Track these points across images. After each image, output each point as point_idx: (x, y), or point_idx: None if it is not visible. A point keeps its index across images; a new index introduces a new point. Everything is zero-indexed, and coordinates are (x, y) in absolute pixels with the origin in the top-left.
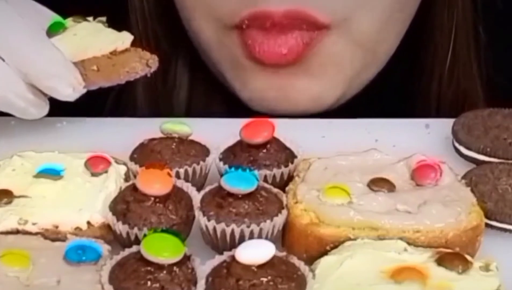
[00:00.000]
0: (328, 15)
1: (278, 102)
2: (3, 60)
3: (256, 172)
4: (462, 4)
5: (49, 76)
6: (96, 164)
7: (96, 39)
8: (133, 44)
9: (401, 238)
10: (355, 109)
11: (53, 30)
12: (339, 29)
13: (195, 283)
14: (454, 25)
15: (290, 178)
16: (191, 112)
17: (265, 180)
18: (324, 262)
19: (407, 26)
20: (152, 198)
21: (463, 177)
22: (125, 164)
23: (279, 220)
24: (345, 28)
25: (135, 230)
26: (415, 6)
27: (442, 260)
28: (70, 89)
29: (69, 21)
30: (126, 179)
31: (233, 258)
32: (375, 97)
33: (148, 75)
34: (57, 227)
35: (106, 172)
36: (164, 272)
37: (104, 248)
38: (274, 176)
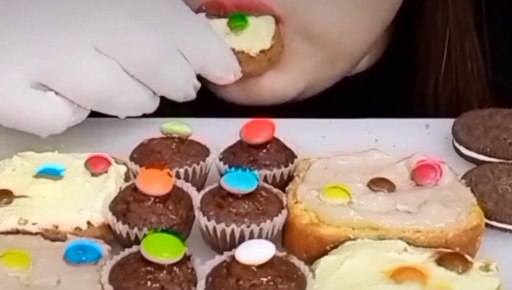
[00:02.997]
0: (279, 5)
1: (241, 97)
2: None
3: (256, 172)
4: (455, 5)
5: (221, 66)
6: (96, 164)
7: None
8: None
9: (401, 238)
10: (355, 109)
11: (236, 25)
12: (293, 24)
13: (195, 283)
14: (448, 27)
15: (290, 178)
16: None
17: (265, 180)
18: (324, 262)
19: (384, 23)
20: (152, 198)
21: (463, 177)
22: (125, 164)
23: (279, 220)
24: (299, 24)
25: (135, 230)
26: (390, 2)
27: (442, 260)
28: (232, 76)
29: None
30: (126, 179)
31: (233, 258)
32: (375, 97)
33: None
34: (57, 227)
35: (106, 172)
36: (164, 272)
37: (104, 248)
38: (274, 176)
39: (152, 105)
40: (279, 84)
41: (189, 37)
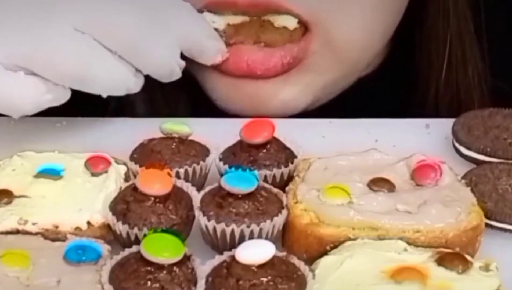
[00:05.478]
0: (306, 11)
1: (246, 106)
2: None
3: (256, 172)
4: (456, 12)
5: (207, 46)
6: (96, 164)
7: None
8: None
9: (401, 238)
10: (355, 109)
11: None
12: (319, 32)
13: (195, 283)
14: (449, 34)
15: (290, 178)
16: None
17: (265, 180)
18: (324, 262)
19: (389, 34)
20: (152, 198)
21: (463, 177)
22: (125, 164)
23: (279, 220)
24: (325, 33)
25: (135, 230)
26: (397, 14)
27: (442, 260)
28: (219, 56)
29: None
30: (126, 179)
31: (233, 258)
32: (375, 97)
33: None
34: (57, 227)
35: (106, 172)
36: (164, 272)
37: (104, 248)
38: (274, 176)
39: (135, 84)
40: (288, 95)
41: (173, 16)
